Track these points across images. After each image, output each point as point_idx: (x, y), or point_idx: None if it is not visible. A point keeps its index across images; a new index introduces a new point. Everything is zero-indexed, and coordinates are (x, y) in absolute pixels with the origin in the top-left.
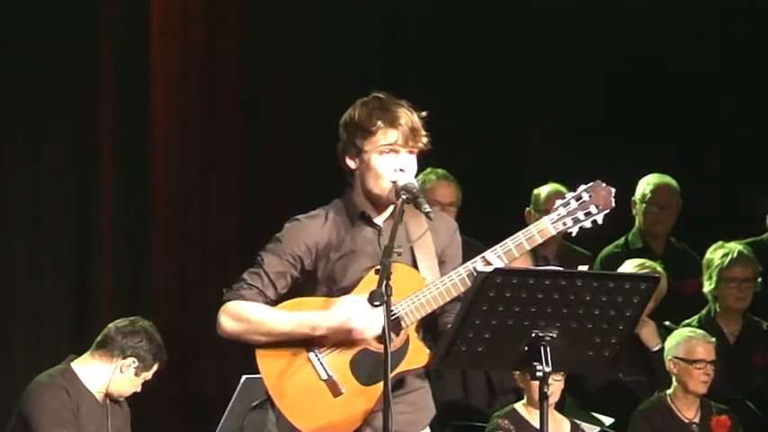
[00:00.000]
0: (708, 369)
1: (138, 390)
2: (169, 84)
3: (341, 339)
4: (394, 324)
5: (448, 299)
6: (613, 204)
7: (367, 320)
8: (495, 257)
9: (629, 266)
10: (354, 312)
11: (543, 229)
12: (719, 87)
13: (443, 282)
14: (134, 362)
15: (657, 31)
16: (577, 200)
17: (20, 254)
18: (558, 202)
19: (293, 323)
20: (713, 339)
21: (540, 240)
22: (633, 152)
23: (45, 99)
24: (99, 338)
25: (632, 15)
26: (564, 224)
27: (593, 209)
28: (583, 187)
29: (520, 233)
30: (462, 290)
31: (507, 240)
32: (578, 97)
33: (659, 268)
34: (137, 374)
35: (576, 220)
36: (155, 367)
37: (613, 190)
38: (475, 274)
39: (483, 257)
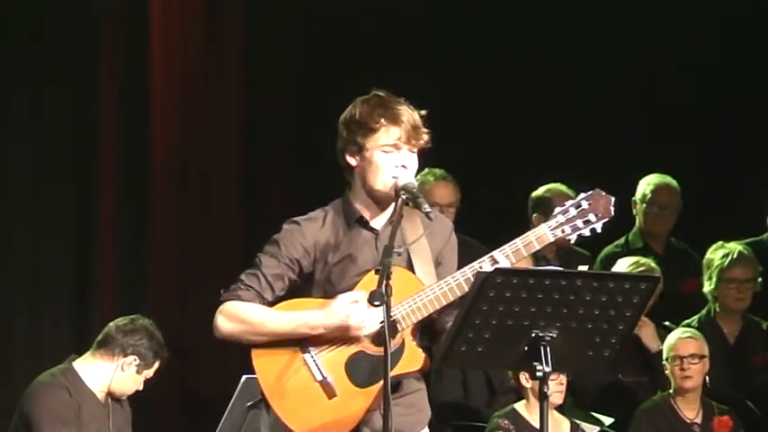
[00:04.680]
0: (685, 365)
1: (140, 388)
2: (170, 83)
3: (337, 339)
4: (390, 327)
5: (444, 303)
6: (613, 213)
7: (363, 317)
8: (491, 267)
9: (624, 265)
10: (352, 310)
11: (541, 236)
12: (719, 87)
13: (440, 286)
14: (135, 360)
15: (657, 32)
16: (576, 207)
17: (20, 253)
18: (558, 209)
19: (291, 323)
20: (699, 335)
21: (538, 247)
22: (633, 152)
23: (45, 98)
24: (100, 337)
25: (631, 15)
26: (562, 231)
27: (591, 217)
28: (582, 195)
29: (518, 240)
30: (459, 294)
31: (505, 246)
32: (578, 97)
33: (653, 264)
34: (138, 372)
35: (575, 228)
36: (156, 365)
37: (613, 199)
38: (472, 278)
39: (480, 265)
